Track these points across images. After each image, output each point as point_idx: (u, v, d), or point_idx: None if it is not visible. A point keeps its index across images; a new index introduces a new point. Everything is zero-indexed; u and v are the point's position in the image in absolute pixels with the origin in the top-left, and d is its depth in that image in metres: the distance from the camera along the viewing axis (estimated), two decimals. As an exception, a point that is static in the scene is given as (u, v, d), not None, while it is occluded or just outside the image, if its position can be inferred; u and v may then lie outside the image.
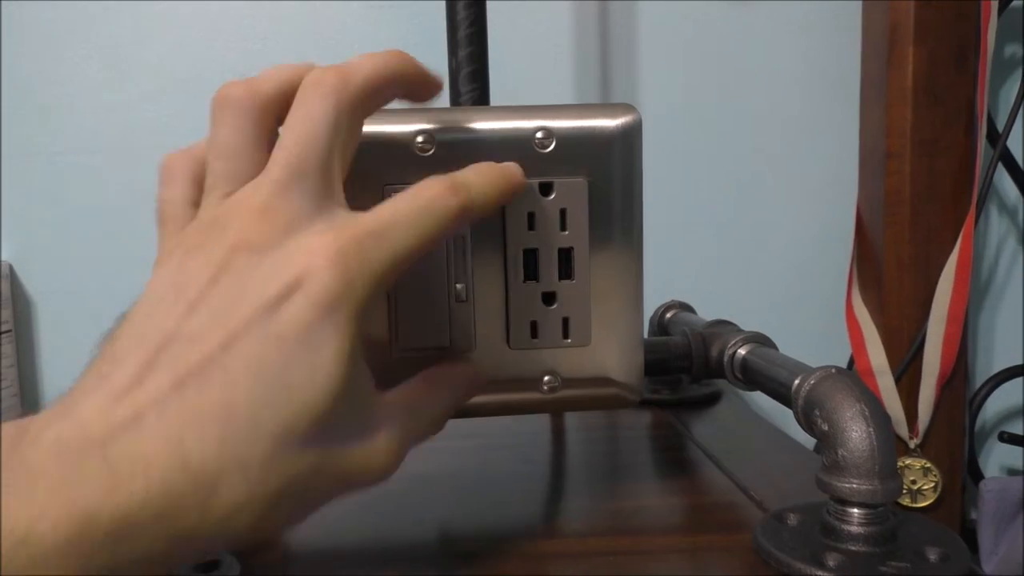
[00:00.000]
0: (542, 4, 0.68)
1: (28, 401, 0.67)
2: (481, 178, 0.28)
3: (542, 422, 0.58)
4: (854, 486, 0.32)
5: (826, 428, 0.34)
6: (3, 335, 0.64)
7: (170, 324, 0.23)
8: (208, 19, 0.66)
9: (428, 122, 0.34)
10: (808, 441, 0.58)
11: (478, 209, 0.28)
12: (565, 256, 0.35)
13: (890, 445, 0.33)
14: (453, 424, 0.36)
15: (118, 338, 0.24)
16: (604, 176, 0.35)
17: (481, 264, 0.35)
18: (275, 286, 0.23)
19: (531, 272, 0.35)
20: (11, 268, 0.66)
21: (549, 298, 0.35)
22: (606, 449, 0.54)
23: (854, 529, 0.33)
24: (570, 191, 0.35)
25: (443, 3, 0.47)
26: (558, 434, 0.56)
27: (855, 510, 0.33)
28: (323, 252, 0.23)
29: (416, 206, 0.26)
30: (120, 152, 0.66)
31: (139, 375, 0.22)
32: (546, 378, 0.36)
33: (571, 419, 0.58)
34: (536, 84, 0.68)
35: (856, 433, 0.33)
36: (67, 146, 0.66)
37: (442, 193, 0.26)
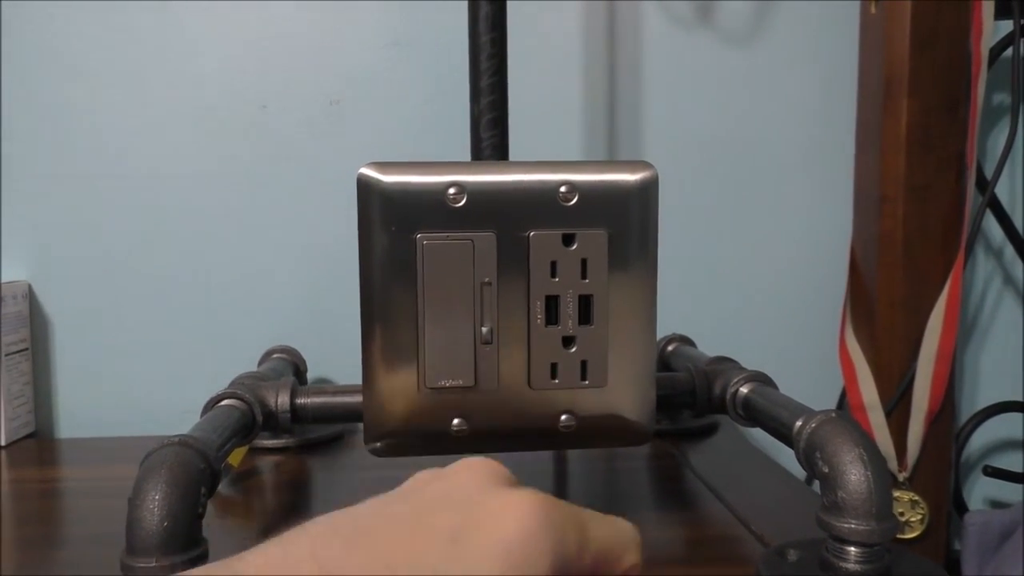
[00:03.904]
0: (553, 55, 0.70)
1: (41, 418, 0.69)
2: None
3: (544, 452, 0.60)
4: (852, 526, 0.35)
5: (826, 470, 0.36)
6: (20, 353, 0.65)
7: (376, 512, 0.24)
8: (231, 51, 0.68)
9: (459, 174, 0.36)
10: (801, 471, 0.60)
11: None
12: (585, 302, 0.37)
13: (887, 488, 0.35)
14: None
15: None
16: (623, 228, 0.37)
17: (506, 308, 0.37)
18: (474, 517, 0.24)
19: (552, 317, 0.37)
20: (30, 287, 0.67)
21: (569, 342, 0.37)
22: (607, 479, 0.56)
23: (851, 566, 0.35)
24: (591, 242, 0.37)
25: (464, 49, 0.49)
26: (560, 463, 0.58)
27: (853, 548, 0.35)
28: (521, 504, 0.24)
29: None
30: (140, 176, 0.68)
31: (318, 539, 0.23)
32: (563, 417, 0.38)
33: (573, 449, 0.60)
34: (546, 127, 0.70)
35: (855, 476, 0.35)
36: (88, 170, 0.67)
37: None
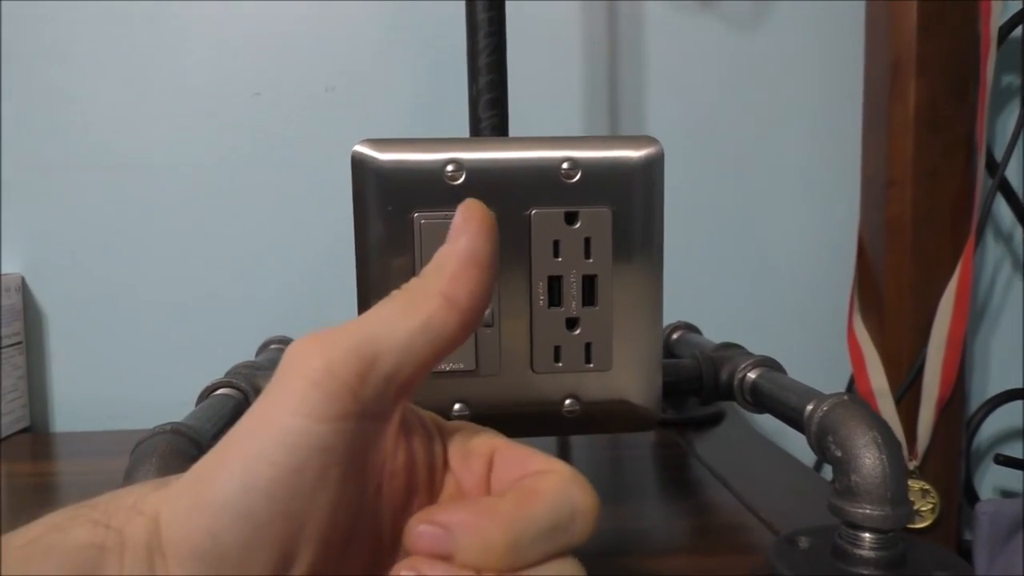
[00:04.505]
0: (553, 35, 0.69)
1: (36, 412, 0.68)
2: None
3: (547, 440, 0.58)
4: (867, 511, 0.33)
5: (839, 454, 0.35)
6: (14, 347, 0.64)
7: None
8: (223, 39, 0.67)
9: (457, 151, 0.35)
10: (808, 458, 0.59)
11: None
12: (589, 283, 0.36)
13: (902, 472, 0.34)
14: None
15: None
16: (627, 206, 0.36)
17: (507, 290, 0.36)
18: None
19: (555, 298, 0.36)
20: (23, 280, 0.66)
21: (572, 323, 0.36)
22: (612, 469, 0.55)
23: (866, 553, 0.34)
24: (595, 220, 0.36)
25: (462, 30, 0.48)
26: (564, 452, 0.57)
27: (867, 535, 0.34)
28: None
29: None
30: (133, 167, 0.67)
31: None
32: (567, 401, 0.37)
33: (576, 437, 0.58)
34: (545, 110, 0.69)
35: (869, 460, 0.34)
36: (82, 161, 0.66)
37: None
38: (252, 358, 0.59)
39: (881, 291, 0.66)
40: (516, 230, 0.35)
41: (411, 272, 0.35)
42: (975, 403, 0.73)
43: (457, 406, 0.36)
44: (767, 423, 0.62)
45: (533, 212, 0.35)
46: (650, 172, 0.36)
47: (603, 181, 0.36)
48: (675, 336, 0.61)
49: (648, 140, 0.36)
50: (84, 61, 0.66)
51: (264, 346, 0.61)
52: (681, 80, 0.71)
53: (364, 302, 0.36)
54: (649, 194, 0.36)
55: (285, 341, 0.61)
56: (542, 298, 0.36)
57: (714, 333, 0.60)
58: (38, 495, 0.52)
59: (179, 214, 0.68)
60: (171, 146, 0.67)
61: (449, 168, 0.35)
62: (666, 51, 0.70)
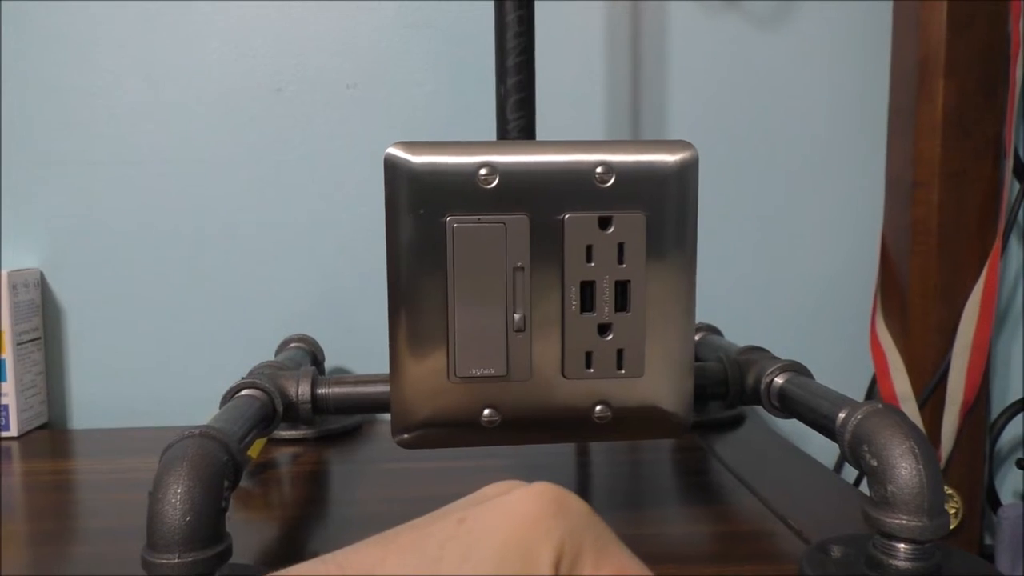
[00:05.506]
0: (576, 34, 0.68)
1: (54, 408, 0.68)
2: None
3: (566, 445, 0.58)
4: (903, 522, 0.33)
5: (875, 464, 0.34)
6: (32, 342, 0.64)
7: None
8: (244, 35, 0.66)
9: (490, 155, 0.35)
10: (828, 459, 0.58)
11: None
12: (621, 288, 0.36)
13: (938, 482, 0.34)
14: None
15: None
16: (661, 211, 0.35)
17: (539, 294, 0.35)
18: (486, 504, 0.23)
19: (588, 303, 0.36)
20: (42, 276, 0.66)
21: (604, 329, 0.36)
22: (632, 472, 0.54)
23: (901, 564, 0.34)
24: (628, 225, 0.35)
25: (487, 28, 0.47)
26: (582, 455, 0.57)
27: (903, 545, 0.33)
28: (532, 489, 0.24)
29: None
30: (153, 163, 0.66)
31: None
32: (598, 408, 0.37)
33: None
34: (569, 108, 0.68)
35: (906, 470, 0.33)
36: (101, 156, 0.66)
37: None
38: (272, 357, 0.59)
39: (905, 294, 0.66)
40: (549, 235, 0.35)
41: (443, 276, 0.35)
42: (996, 407, 0.72)
43: (487, 411, 0.36)
44: (784, 424, 0.62)
45: (566, 217, 0.35)
46: (685, 177, 0.36)
47: (637, 186, 0.35)
48: (697, 338, 0.61)
49: (683, 144, 0.36)
50: (104, 56, 0.66)
51: (284, 345, 0.61)
52: (703, 81, 0.70)
53: (395, 306, 0.35)
54: (683, 199, 0.36)
55: (305, 340, 0.61)
56: (574, 303, 0.35)
57: (734, 335, 0.60)
58: (57, 494, 0.51)
59: (199, 210, 0.67)
60: (192, 142, 0.67)
61: (483, 172, 0.34)
62: (689, 50, 0.70)
